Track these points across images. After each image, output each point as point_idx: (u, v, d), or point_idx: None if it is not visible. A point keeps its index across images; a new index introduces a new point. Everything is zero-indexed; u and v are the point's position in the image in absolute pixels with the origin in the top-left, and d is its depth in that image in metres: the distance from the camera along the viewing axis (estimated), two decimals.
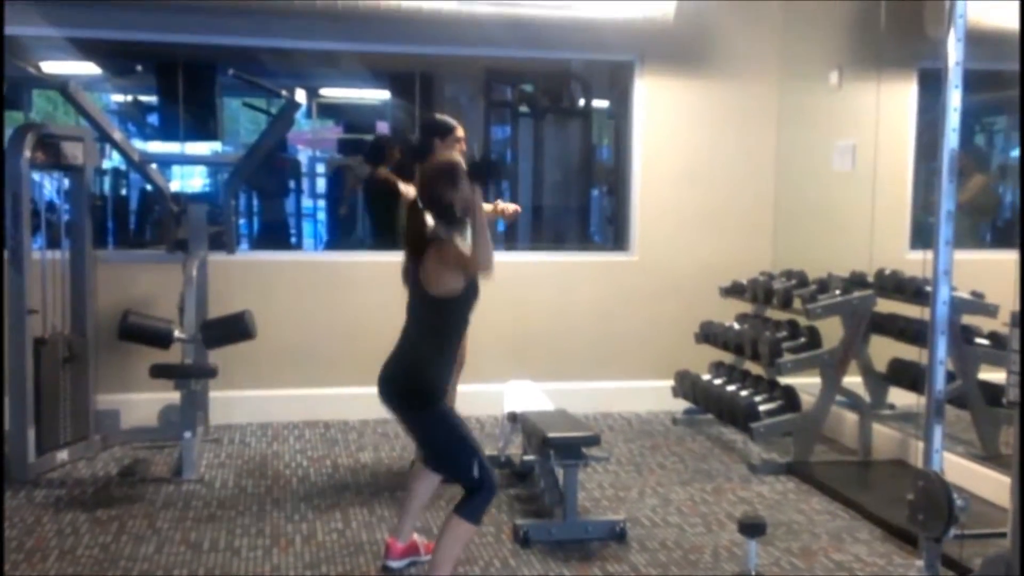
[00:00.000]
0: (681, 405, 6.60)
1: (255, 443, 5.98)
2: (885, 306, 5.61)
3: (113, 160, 8.22)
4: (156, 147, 7.79)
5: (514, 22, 6.14)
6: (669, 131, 6.89)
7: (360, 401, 6.38)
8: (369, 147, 8.36)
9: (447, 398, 3.63)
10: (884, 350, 5.73)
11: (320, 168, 10.25)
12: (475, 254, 3.41)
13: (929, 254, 3.75)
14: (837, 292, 5.68)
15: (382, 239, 7.86)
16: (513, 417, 5.12)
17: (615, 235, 7.36)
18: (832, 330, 5.68)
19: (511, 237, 7.96)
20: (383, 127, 9.41)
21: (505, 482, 5.23)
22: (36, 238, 5.47)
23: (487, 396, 5.84)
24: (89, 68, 7.02)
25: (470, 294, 3.56)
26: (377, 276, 6.33)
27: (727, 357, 6.38)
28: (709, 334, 6.46)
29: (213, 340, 5.43)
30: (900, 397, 5.73)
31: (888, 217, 5.94)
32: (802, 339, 5.82)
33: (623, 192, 7.09)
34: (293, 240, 9.55)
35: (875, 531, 4.60)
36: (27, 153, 5.11)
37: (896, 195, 6.04)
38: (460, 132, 5.04)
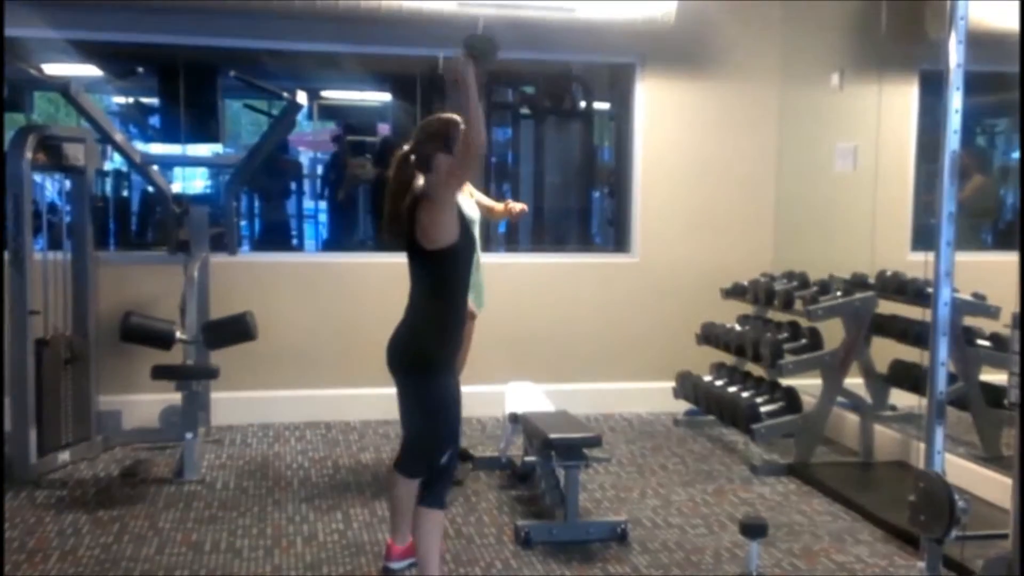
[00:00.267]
0: (682, 406, 6.60)
1: (256, 444, 5.98)
2: (886, 307, 5.61)
3: (115, 162, 8.22)
4: (157, 149, 7.79)
5: (515, 24, 6.14)
6: (670, 133, 6.90)
7: (361, 402, 6.40)
8: (379, 149, 8.38)
9: (454, 378, 3.62)
10: (885, 351, 5.72)
11: (320, 170, 10.25)
12: (468, 127, 3.31)
13: (930, 255, 3.76)
14: (838, 293, 5.68)
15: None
16: (514, 418, 5.12)
17: (616, 236, 7.36)
18: (833, 331, 5.68)
19: (512, 238, 7.96)
20: (385, 129, 9.41)
21: (506, 483, 5.24)
22: (38, 239, 5.48)
23: (488, 397, 5.84)
24: (90, 70, 7.01)
25: (464, 244, 3.53)
26: (379, 277, 6.34)
27: (728, 358, 6.38)
28: (710, 335, 6.46)
29: (214, 341, 5.43)
30: (901, 398, 5.73)
31: (889, 218, 5.94)
32: (803, 340, 5.83)
33: (624, 194, 7.09)
34: (294, 241, 9.55)
35: (876, 532, 4.60)
36: (29, 155, 5.12)
37: (897, 196, 6.05)
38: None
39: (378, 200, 8.25)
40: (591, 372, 6.82)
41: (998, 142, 6.61)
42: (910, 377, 5.49)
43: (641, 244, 6.92)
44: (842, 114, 6.41)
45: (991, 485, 4.69)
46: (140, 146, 6.67)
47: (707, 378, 6.37)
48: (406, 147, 3.59)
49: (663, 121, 6.88)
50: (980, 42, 3.83)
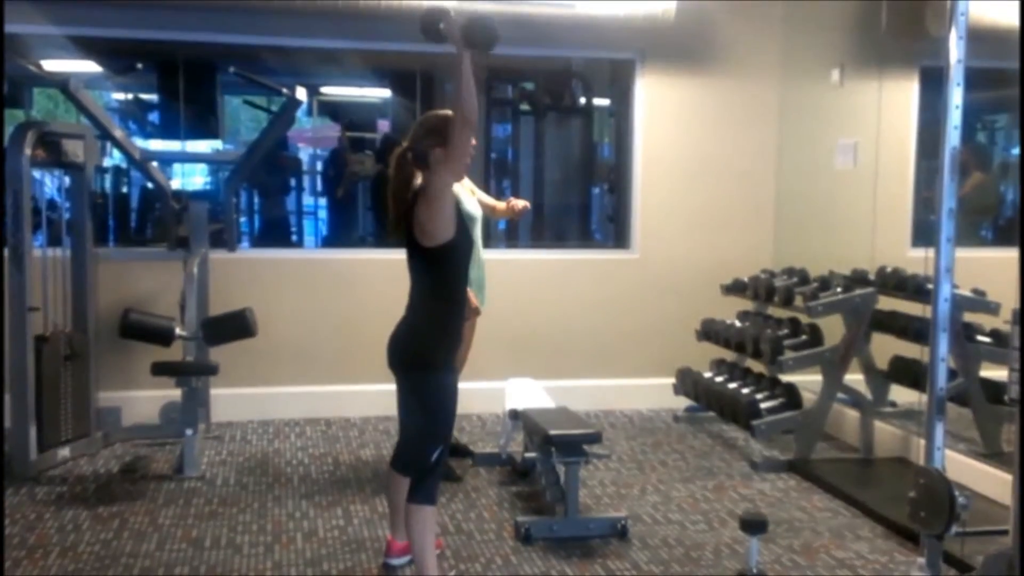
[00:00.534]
0: (682, 403, 6.60)
1: (256, 440, 5.98)
2: (886, 304, 5.61)
3: (114, 158, 8.22)
4: (157, 145, 7.78)
5: (515, 20, 6.13)
6: (670, 129, 6.89)
7: (361, 398, 6.40)
8: (380, 145, 8.36)
9: (454, 377, 3.63)
10: (885, 348, 5.72)
11: (320, 166, 10.25)
12: (458, 98, 3.30)
13: (931, 252, 3.76)
14: (838, 290, 5.68)
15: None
16: (514, 414, 5.12)
17: (616, 233, 7.35)
18: (833, 328, 5.68)
19: (512, 235, 7.96)
20: (384, 125, 9.41)
21: (506, 479, 5.24)
22: (37, 236, 5.47)
23: (488, 394, 5.85)
24: (90, 66, 7.01)
25: (462, 240, 3.53)
26: (378, 273, 6.34)
27: (728, 355, 6.38)
28: (710, 332, 6.46)
29: (214, 338, 5.43)
30: (901, 395, 5.74)
31: (890, 215, 5.94)
32: (803, 337, 5.82)
33: (624, 190, 7.08)
34: (294, 238, 9.55)
35: (876, 528, 4.61)
36: (28, 151, 5.11)
37: (897, 193, 6.04)
38: None
39: (378, 197, 8.28)
40: (591, 368, 6.82)
41: (998, 138, 6.61)
42: (910, 373, 5.49)
43: (641, 240, 6.92)
44: (842, 110, 6.41)
45: (991, 481, 4.70)
46: (139, 142, 6.68)
47: (707, 374, 6.37)
48: (404, 145, 3.58)
49: (663, 117, 6.88)
50: (980, 38, 3.83)
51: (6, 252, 5.10)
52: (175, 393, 5.46)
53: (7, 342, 5.10)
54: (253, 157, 5.84)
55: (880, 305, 5.60)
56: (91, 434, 5.62)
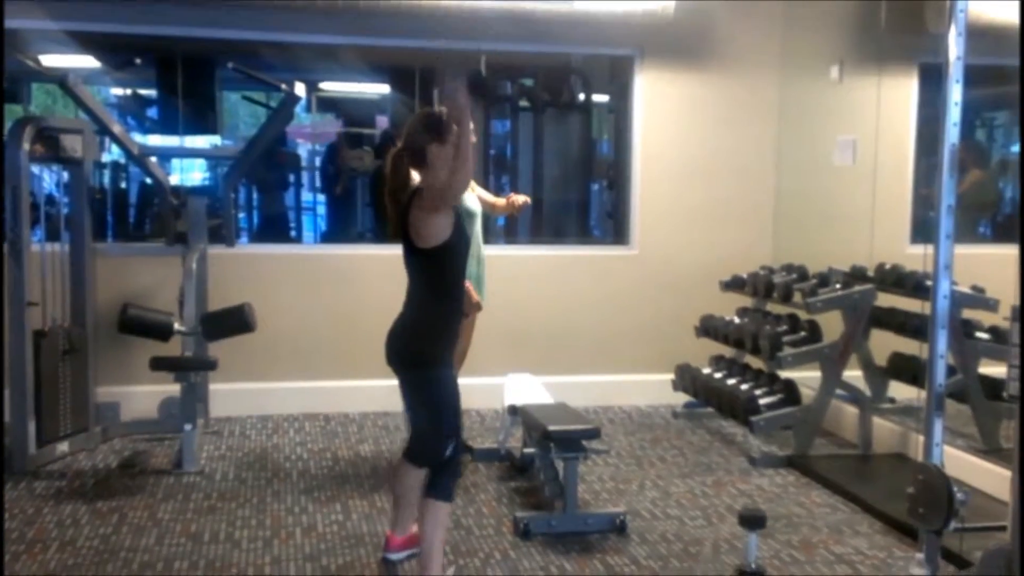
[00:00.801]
0: (681, 399, 6.60)
1: (255, 436, 5.98)
2: (885, 300, 5.61)
3: (112, 153, 8.21)
4: (155, 140, 7.78)
5: (514, 16, 6.13)
6: (669, 125, 6.89)
7: (360, 394, 6.41)
8: (379, 141, 8.35)
9: (452, 371, 3.63)
10: (884, 344, 5.73)
11: (318, 162, 10.24)
12: (457, 161, 3.34)
13: (930, 248, 3.76)
14: (837, 286, 5.68)
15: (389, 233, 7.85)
16: (513, 410, 5.12)
17: (615, 229, 7.35)
18: (832, 324, 5.68)
19: (511, 231, 7.96)
20: (383, 122, 9.40)
21: (505, 475, 5.24)
22: (35, 231, 5.47)
23: (487, 389, 5.84)
24: (88, 61, 7.00)
25: (457, 240, 3.53)
26: (377, 269, 6.34)
27: (727, 351, 6.39)
28: (709, 328, 6.46)
29: (213, 333, 5.43)
30: (900, 391, 5.74)
31: (889, 211, 5.94)
32: (802, 333, 5.83)
33: (623, 186, 7.08)
34: (293, 233, 9.54)
35: (875, 524, 4.61)
36: (26, 146, 5.11)
37: (897, 189, 6.05)
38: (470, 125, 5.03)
39: (377, 192, 8.28)
40: (590, 364, 6.83)
41: (997, 135, 6.61)
42: (909, 370, 5.50)
43: (640, 237, 6.92)
44: (842, 107, 6.41)
45: (990, 477, 4.70)
46: (138, 138, 6.67)
47: (706, 370, 6.37)
48: (399, 144, 3.58)
49: (662, 114, 6.88)
50: (980, 35, 3.83)
51: (5, 247, 5.10)
52: (174, 388, 5.47)
53: (6, 337, 5.11)
54: (252, 153, 5.84)
55: (879, 301, 5.61)
56: (90, 429, 5.62)
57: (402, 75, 7.90)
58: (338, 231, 9.50)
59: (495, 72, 7.93)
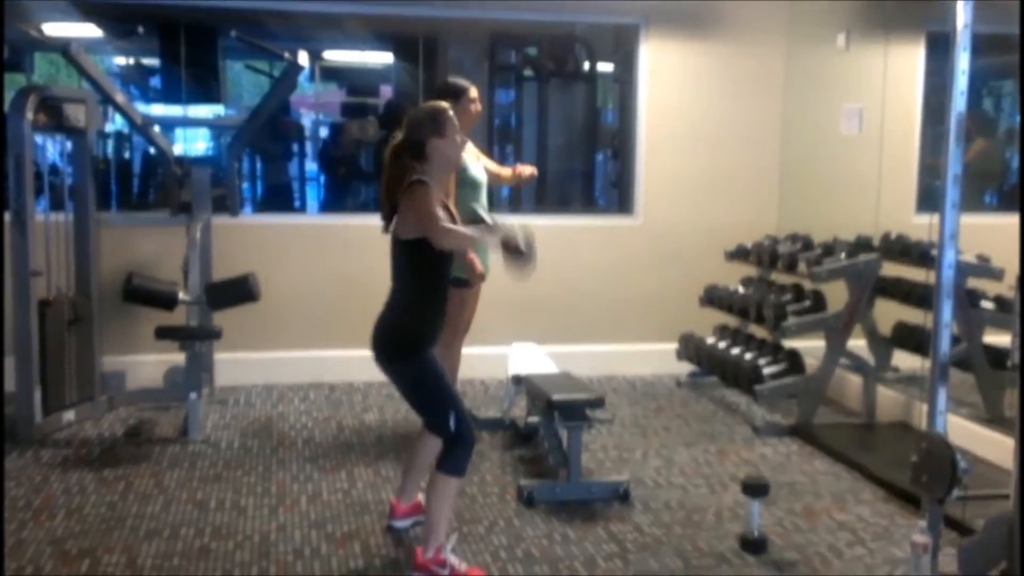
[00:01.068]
0: (685, 368, 6.61)
1: (260, 404, 6.01)
2: (890, 270, 5.60)
3: (116, 123, 8.20)
4: (159, 110, 7.76)
5: None
6: (674, 94, 6.85)
7: (365, 363, 6.32)
8: (384, 111, 8.32)
9: (433, 352, 3.63)
10: (889, 313, 5.72)
11: (323, 132, 10.22)
12: (451, 234, 3.42)
13: (935, 218, 3.75)
14: (842, 256, 5.67)
15: None
16: (517, 380, 5.13)
17: (620, 199, 7.34)
18: (837, 294, 5.68)
19: (516, 201, 7.95)
20: (387, 91, 9.36)
21: (510, 443, 5.26)
22: (39, 200, 5.46)
23: (492, 359, 5.85)
24: (91, 30, 6.98)
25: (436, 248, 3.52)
26: (381, 238, 6.32)
27: (731, 320, 6.39)
28: (713, 297, 6.46)
29: (217, 302, 5.44)
30: (904, 360, 5.74)
31: (895, 180, 5.91)
32: (807, 302, 5.82)
33: (628, 156, 7.06)
34: (296, 203, 9.53)
35: (878, 492, 4.63)
36: (29, 115, 5.10)
37: (903, 159, 6.01)
38: (474, 93, 5.02)
39: (381, 162, 8.26)
40: (594, 334, 6.83)
41: (1004, 104, 6.57)
42: (913, 339, 5.49)
43: (644, 206, 6.90)
44: (848, 75, 6.37)
45: (993, 446, 4.71)
46: (141, 107, 6.65)
47: (710, 340, 6.37)
48: (398, 138, 3.58)
49: (667, 83, 6.84)
50: (987, 3, 3.80)
51: (8, 217, 5.10)
52: (179, 357, 5.49)
53: (11, 307, 5.12)
54: (255, 122, 5.82)
55: (884, 271, 5.60)
56: (95, 398, 5.64)
57: (406, 44, 7.87)
58: (342, 201, 9.49)
59: (500, 41, 7.89)
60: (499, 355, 5.59)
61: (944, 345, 3.75)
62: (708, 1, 6.74)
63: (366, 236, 6.46)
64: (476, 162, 5.08)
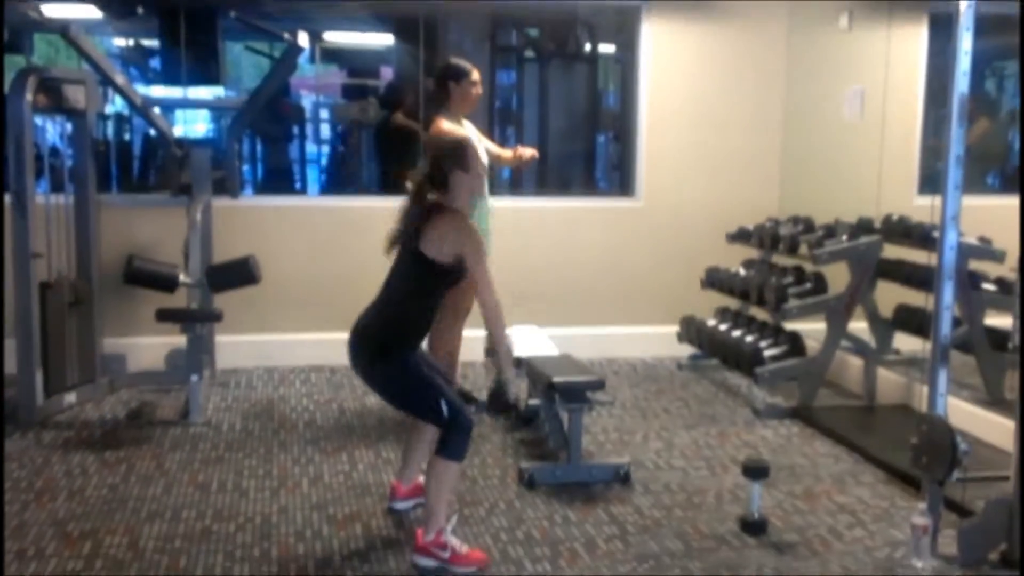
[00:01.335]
0: (686, 350, 6.61)
1: (261, 387, 6.01)
2: (892, 252, 5.59)
3: (116, 105, 8.16)
4: (158, 91, 7.73)
5: None
6: (676, 76, 6.83)
7: None
8: (384, 92, 8.28)
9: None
10: (890, 296, 5.72)
11: (324, 114, 10.18)
12: (493, 293, 3.63)
13: (937, 199, 3.74)
14: (844, 238, 5.66)
15: (395, 184, 7.82)
16: (518, 362, 5.13)
17: (621, 181, 7.32)
18: (838, 276, 5.67)
19: (517, 183, 7.93)
20: (387, 72, 9.32)
21: (510, 426, 5.26)
22: (40, 182, 5.45)
23: None
24: (90, 11, 6.94)
25: (461, 269, 3.62)
26: (382, 220, 6.31)
27: (733, 303, 6.38)
28: (715, 280, 6.45)
29: (218, 284, 5.44)
30: (905, 342, 5.73)
31: (897, 162, 5.90)
32: (808, 285, 5.82)
33: (629, 138, 7.04)
34: (297, 185, 9.51)
35: (878, 474, 4.63)
36: (29, 97, 5.08)
37: (905, 140, 6.00)
38: (476, 76, 5.01)
39: (381, 144, 8.24)
40: (595, 316, 6.83)
41: (1007, 85, 6.54)
42: (914, 321, 5.48)
43: (646, 188, 6.88)
44: (850, 56, 6.34)
45: (994, 428, 4.72)
46: (141, 89, 6.63)
47: (711, 322, 6.37)
48: (423, 171, 3.66)
49: (669, 64, 6.81)
50: None
51: (8, 198, 5.09)
52: (180, 340, 5.49)
53: (12, 289, 5.12)
54: (255, 104, 5.81)
55: (886, 253, 5.59)
56: (96, 380, 5.65)
57: (406, 25, 7.82)
58: (343, 182, 9.47)
59: (501, 22, 7.86)
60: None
61: (945, 327, 3.75)
62: None
63: (366, 218, 6.48)
64: (476, 143, 5.06)
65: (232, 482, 4.41)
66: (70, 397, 5.42)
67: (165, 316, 5.31)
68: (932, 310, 3.84)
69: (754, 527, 3.92)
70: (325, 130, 10.09)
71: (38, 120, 5.50)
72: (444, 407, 3.54)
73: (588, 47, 8.20)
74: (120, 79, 5.55)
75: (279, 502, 4.19)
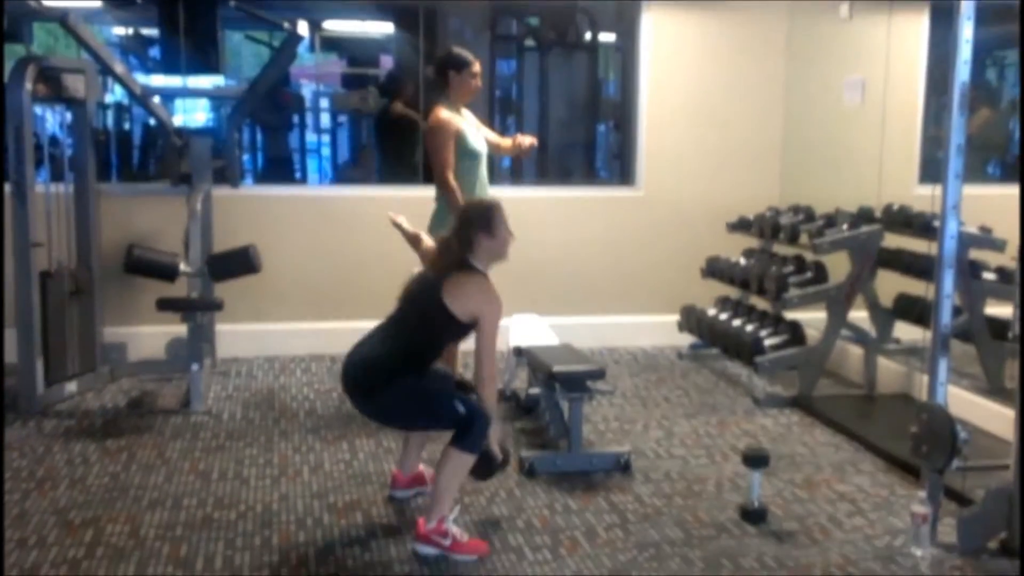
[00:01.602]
0: (687, 340, 6.61)
1: (262, 376, 6.02)
2: (892, 241, 5.59)
3: (116, 94, 8.15)
4: (158, 80, 7.71)
5: None
6: (676, 65, 6.81)
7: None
8: (384, 81, 8.28)
9: None
10: (891, 285, 5.72)
11: (324, 103, 10.17)
12: (492, 369, 3.68)
13: (938, 189, 3.73)
14: (844, 227, 5.66)
15: (394, 173, 7.82)
16: (519, 351, 5.14)
17: (621, 170, 7.32)
18: (839, 265, 5.67)
19: (517, 172, 7.92)
20: (387, 61, 9.31)
21: (511, 415, 5.27)
22: (40, 171, 5.45)
23: None
24: (89, 0, 6.93)
25: (472, 327, 3.67)
26: (382, 210, 6.31)
27: (733, 292, 6.38)
28: (715, 269, 6.45)
29: (218, 274, 5.44)
30: (906, 332, 5.74)
31: (897, 152, 5.89)
32: (808, 274, 5.81)
33: (629, 127, 7.03)
34: (297, 174, 9.51)
35: (878, 463, 4.64)
36: (28, 86, 5.08)
37: (906, 129, 5.99)
38: (477, 67, 5.00)
39: (381, 133, 8.23)
40: (595, 305, 6.83)
41: (1008, 74, 6.52)
42: (915, 310, 5.48)
43: (646, 178, 6.88)
44: (851, 45, 6.33)
45: (993, 417, 4.72)
46: (140, 78, 6.62)
47: (711, 311, 6.37)
48: (448, 234, 3.75)
49: (669, 53, 6.79)
50: None
51: (8, 187, 5.09)
52: (180, 329, 5.49)
53: (12, 278, 5.12)
54: (255, 93, 5.81)
55: (886, 242, 5.58)
56: (97, 369, 5.66)
57: (406, 13, 7.82)
58: (343, 172, 9.47)
59: (501, 10, 7.84)
60: (500, 327, 5.57)
61: (945, 316, 3.75)
62: None
63: (366, 208, 6.48)
64: (476, 132, 5.06)
65: (233, 470, 4.42)
66: (71, 386, 5.43)
67: (166, 305, 5.31)
68: (932, 299, 3.84)
69: (754, 515, 3.93)
70: (325, 119, 10.09)
71: (38, 109, 5.49)
72: (459, 405, 3.55)
73: (588, 36, 8.19)
74: (119, 68, 5.55)
75: (280, 490, 4.20)
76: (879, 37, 5.89)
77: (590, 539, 3.76)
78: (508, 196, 6.45)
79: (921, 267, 5.27)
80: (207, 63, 7.69)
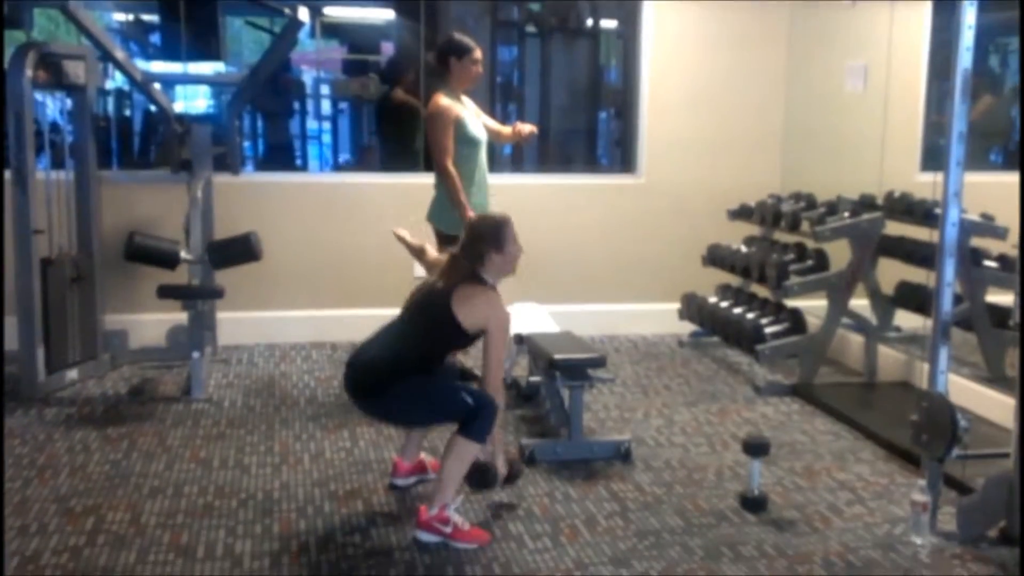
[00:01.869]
0: (687, 327, 6.61)
1: (263, 364, 6.02)
2: (894, 228, 5.58)
3: (116, 80, 8.13)
4: (158, 67, 7.69)
5: None
6: (678, 51, 6.79)
7: (367, 322, 6.32)
8: (385, 68, 8.25)
9: None
10: (892, 273, 5.71)
11: (325, 89, 10.14)
12: (499, 377, 3.65)
13: (939, 176, 3.72)
14: (846, 215, 5.65)
15: (395, 159, 7.80)
16: (519, 339, 5.14)
17: (622, 157, 7.30)
18: (840, 253, 5.66)
19: (518, 160, 7.91)
20: (388, 48, 9.27)
21: (511, 403, 5.27)
22: (40, 158, 5.44)
23: None
24: None
25: (478, 336, 3.68)
26: (383, 197, 6.32)
27: (734, 280, 6.38)
28: (716, 257, 6.45)
29: (219, 261, 5.44)
30: (906, 320, 5.74)
31: (899, 139, 5.88)
32: (809, 262, 5.81)
33: (631, 114, 7.01)
34: (298, 161, 9.49)
35: (878, 451, 4.64)
36: (29, 72, 5.07)
37: (908, 116, 5.97)
38: (478, 54, 4.98)
39: (382, 120, 8.21)
40: (596, 293, 6.83)
41: (1011, 61, 6.50)
42: (916, 298, 5.48)
43: (647, 165, 6.86)
44: (853, 32, 6.30)
45: (994, 405, 4.72)
46: (141, 64, 6.59)
47: (712, 299, 6.37)
48: (456, 250, 3.74)
49: (671, 40, 6.77)
50: None
51: (9, 174, 5.08)
52: (181, 316, 5.50)
53: (13, 265, 5.12)
54: (256, 79, 5.79)
55: (887, 230, 5.58)
56: (98, 356, 5.66)
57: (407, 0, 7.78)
58: (344, 159, 9.45)
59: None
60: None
61: (946, 304, 3.75)
62: None
63: (368, 195, 6.48)
64: (475, 119, 5.05)
65: (234, 458, 4.42)
66: (72, 374, 5.44)
67: (166, 293, 5.31)
68: (933, 287, 3.83)
69: (754, 504, 3.93)
70: (326, 106, 10.06)
71: (38, 96, 5.48)
72: (467, 396, 3.56)
73: (590, 22, 8.15)
74: (120, 54, 5.53)
75: (281, 478, 4.20)
76: (881, 23, 5.86)
77: (590, 527, 3.77)
78: (509, 183, 6.50)
79: (922, 255, 5.27)
80: (208, 49, 7.67)
